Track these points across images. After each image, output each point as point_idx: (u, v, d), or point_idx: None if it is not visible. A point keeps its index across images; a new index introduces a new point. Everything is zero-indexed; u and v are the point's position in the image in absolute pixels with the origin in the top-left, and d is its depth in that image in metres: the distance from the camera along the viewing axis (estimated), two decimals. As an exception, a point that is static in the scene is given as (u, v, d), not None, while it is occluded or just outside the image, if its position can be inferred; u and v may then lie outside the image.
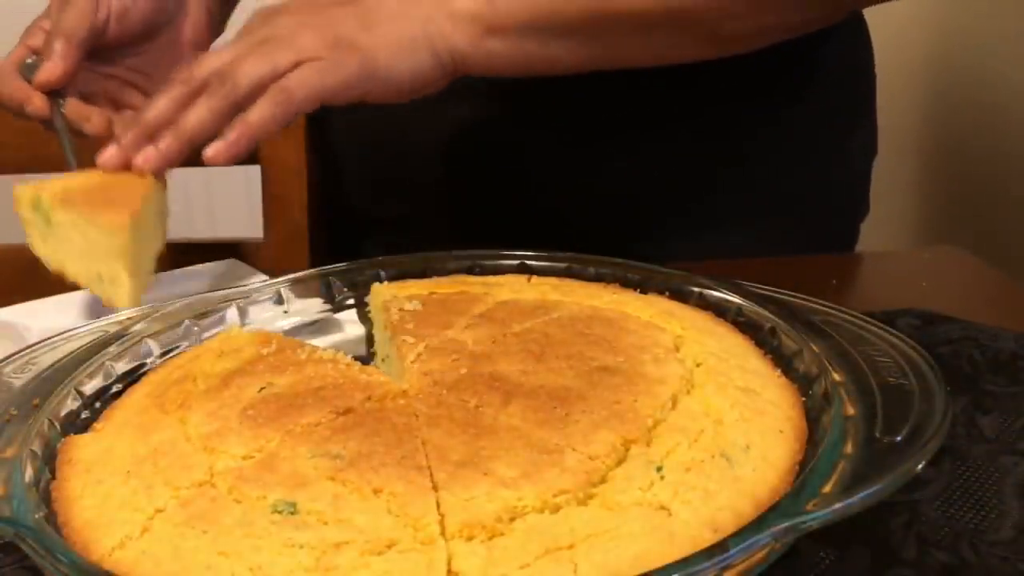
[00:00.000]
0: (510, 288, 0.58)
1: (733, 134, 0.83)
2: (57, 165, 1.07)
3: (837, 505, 0.36)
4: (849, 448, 0.40)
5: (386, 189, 0.92)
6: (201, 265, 0.78)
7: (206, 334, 0.58)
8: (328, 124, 0.98)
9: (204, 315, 0.59)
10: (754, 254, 0.78)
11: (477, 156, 0.85)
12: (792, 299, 0.54)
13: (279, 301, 0.62)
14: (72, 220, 0.61)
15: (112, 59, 0.76)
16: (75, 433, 0.48)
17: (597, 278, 0.61)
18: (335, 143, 0.97)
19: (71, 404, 0.50)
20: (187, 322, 0.58)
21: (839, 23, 0.78)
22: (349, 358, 0.51)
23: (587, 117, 0.82)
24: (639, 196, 0.84)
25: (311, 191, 1.02)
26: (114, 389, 0.53)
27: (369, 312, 0.61)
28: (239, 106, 0.61)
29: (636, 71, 0.76)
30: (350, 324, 0.65)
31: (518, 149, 0.84)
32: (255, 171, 1.03)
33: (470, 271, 0.63)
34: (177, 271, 0.77)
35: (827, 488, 0.37)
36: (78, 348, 0.53)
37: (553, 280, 0.60)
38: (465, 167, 0.86)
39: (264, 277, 0.72)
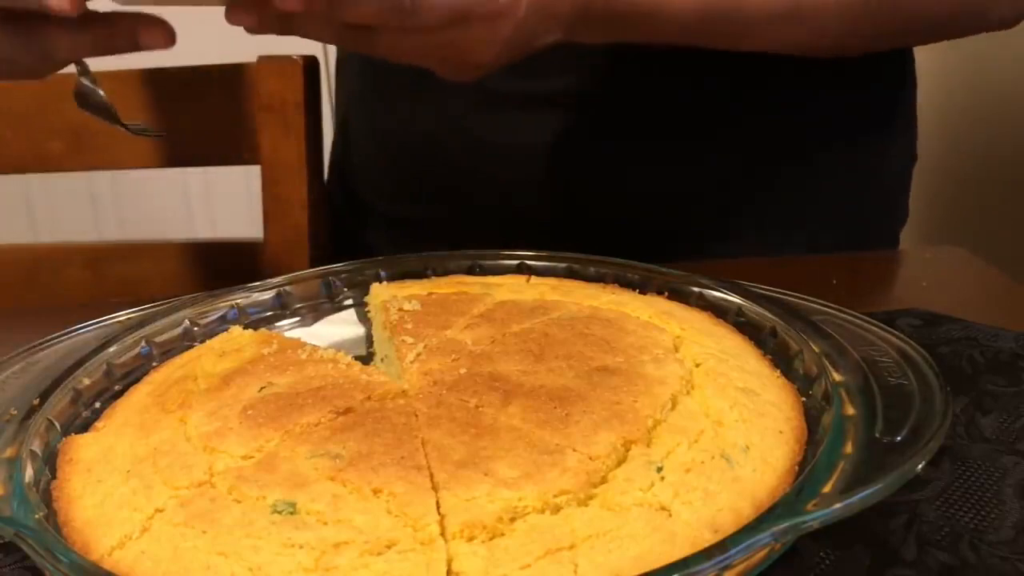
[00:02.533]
0: (509, 288, 0.58)
1: (775, 141, 0.84)
2: (56, 164, 1.08)
3: (837, 505, 0.36)
4: (849, 448, 0.40)
5: (404, 189, 0.93)
6: None
7: (206, 334, 0.58)
8: (350, 121, 0.98)
9: (204, 315, 0.59)
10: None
11: (503, 161, 0.85)
12: (792, 299, 0.54)
13: (279, 301, 0.62)
14: None
15: None
16: (75, 433, 0.48)
17: (597, 278, 0.61)
18: (356, 141, 0.97)
19: (71, 404, 0.50)
20: (187, 322, 0.58)
21: None
22: (349, 358, 0.51)
23: (622, 122, 0.82)
24: (674, 200, 0.84)
25: (312, 190, 1.02)
26: (114, 389, 0.53)
27: (369, 312, 0.61)
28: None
29: (679, 77, 0.77)
30: (350, 324, 0.65)
31: (556, 155, 0.84)
32: (255, 171, 1.03)
33: (469, 271, 0.63)
34: None
35: (827, 488, 0.37)
36: (78, 348, 0.53)
37: (552, 280, 0.60)
38: (490, 172, 0.86)
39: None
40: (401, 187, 0.93)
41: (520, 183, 0.84)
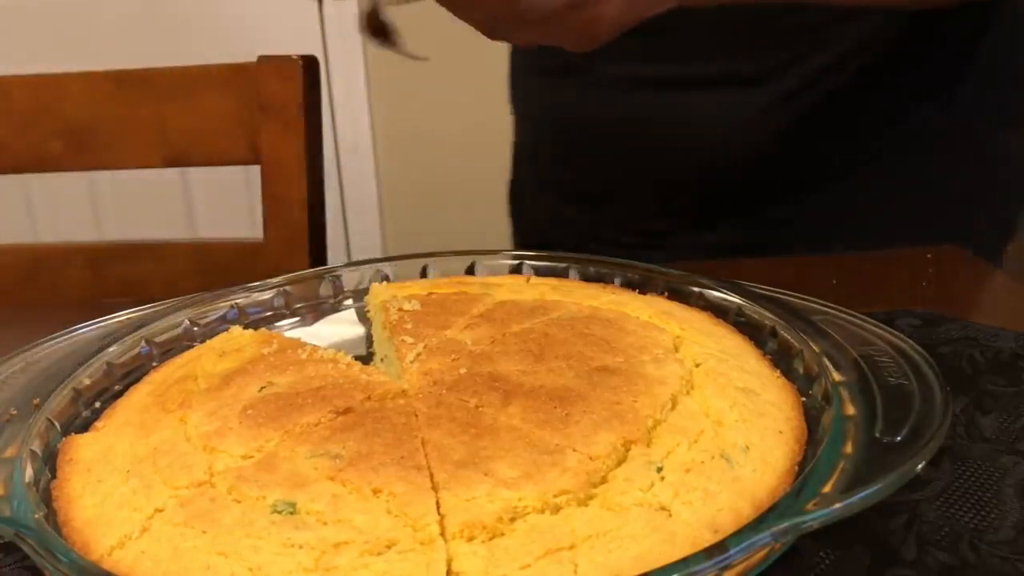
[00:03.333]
0: (509, 288, 0.58)
1: (879, 133, 0.85)
2: (56, 164, 1.08)
3: (837, 505, 0.36)
4: (849, 448, 0.40)
5: (568, 164, 0.97)
6: None
7: (206, 334, 0.58)
8: (521, 102, 1.02)
9: (204, 315, 0.59)
10: None
11: (659, 140, 0.88)
12: (792, 299, 0.54)
13: (279, 301, 0.62)
14: None
15: None
16: (75, 433, 0.48)
17: (597, 278, 0.61)
18: (525, 121, 1.02)
19: (71, 404, 0.50)
20: (187, 322, 0.58)
21: (998, 17, 0.80)
22: (349, 358, 0.51)
23: (777, 105, 0.84)
24: (812, 185, 0.86)
25: (312, 190, 1.03)
26: (114, 389, 0.53)
27: (368, 312, 0.61)
28: None
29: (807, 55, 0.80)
30: (350, 324, 0.65)
31: (712, 133, 0.87)
32: (255, 171, 1.03)
33: (469, 271, 0.63)
34: None
35: (827, 488, 0.37)
36: (78, 348, 0.53)
37: (552, 280, 0.60)
38: (643, 150, 0.90)
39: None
40: (564, 162, 0.98)
41: (669, 161, 0.88)
